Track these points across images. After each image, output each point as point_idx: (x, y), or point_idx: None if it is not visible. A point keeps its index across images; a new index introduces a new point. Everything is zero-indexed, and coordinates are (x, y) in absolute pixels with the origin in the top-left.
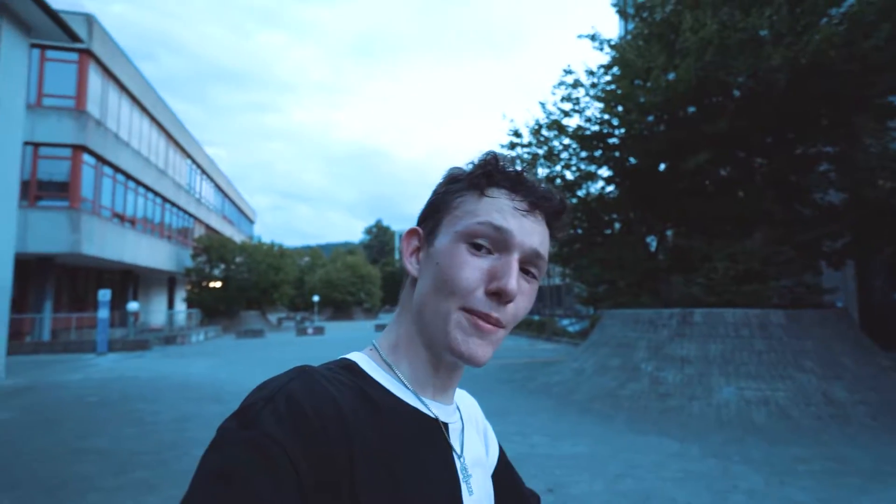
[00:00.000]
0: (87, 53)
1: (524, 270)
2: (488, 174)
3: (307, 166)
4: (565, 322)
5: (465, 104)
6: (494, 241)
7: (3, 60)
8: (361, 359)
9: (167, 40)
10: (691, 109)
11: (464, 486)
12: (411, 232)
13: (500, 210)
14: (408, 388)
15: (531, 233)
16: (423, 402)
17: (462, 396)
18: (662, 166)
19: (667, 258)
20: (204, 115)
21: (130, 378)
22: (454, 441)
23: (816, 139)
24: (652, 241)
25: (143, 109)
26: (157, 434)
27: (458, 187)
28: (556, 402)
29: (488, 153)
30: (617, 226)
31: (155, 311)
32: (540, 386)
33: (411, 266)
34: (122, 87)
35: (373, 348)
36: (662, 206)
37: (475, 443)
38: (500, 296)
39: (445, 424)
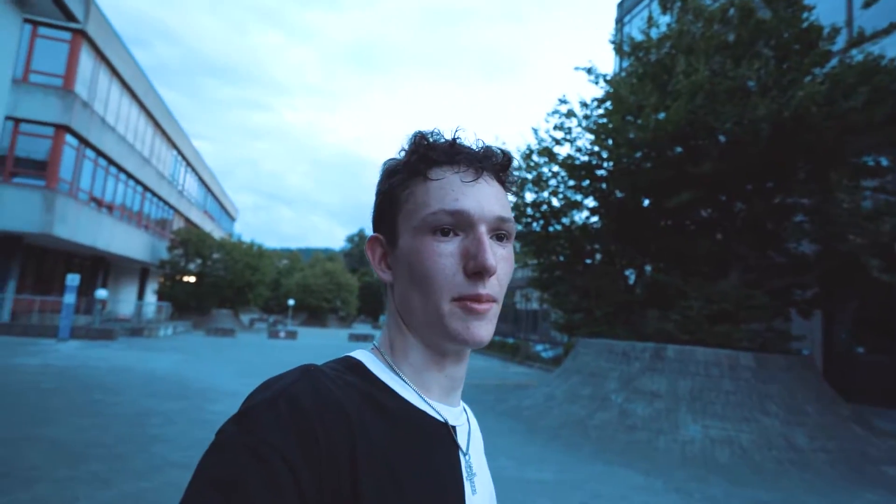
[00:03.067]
0: (81, 34)
1: (495, 237)
2: (423, 156)
3: (293, 168)
4: (539, 347)
5: (457, 123)
6: (456, 224)
7: None
8: (367, 358)
9: (162, 28)
10: (678, 149)
11: (467, 485)
12: (373, 240)
13: (449, 189)
14: (415, 391)
15: (487, 200)
16: (429, 405)
17: (467, 408)
18: (647, 202)
19: (644, 292)
20: (193, 107)
21: (92, 367)
22: (461, 441)
23: (794, 190)
24: (631, 275)
25: (133, 95)
26: (115, 427)
27: (399, 180)
28: (525, 426)
29: (415, 134)
30: (598, 256)
31: (124, 300)
32: (510, 409)
33: (383, 274)
34: (114, 71)
35: (375, 348)
36: (643, 241)
37: (478, 443)
38: (480, 274)
39: (454, 427)
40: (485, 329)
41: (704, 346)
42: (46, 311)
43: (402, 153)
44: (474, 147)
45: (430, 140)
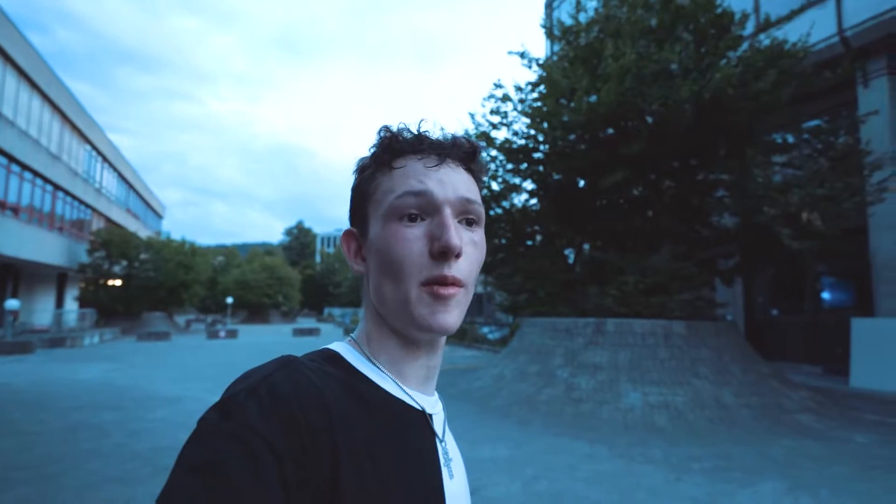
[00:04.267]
0: None
1: (464, 222)
2: (388, 147)
3: (224, 161)
4: (486, 329)
5: (393, 109)
6: (421, 207)
7: None
8: (344, 349)
9: (61, 11)
10: (610, 131)
11: (445, 471)
12: (347, 234)
13: (412, 174)
14: (392, 380)
15: (452, 183)
16: (406, 394)
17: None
18: (582, 183)
19: (583, 270)
20: (107, 99)
21: (6, 384)
22: (437, 428)
23: (715, 167)
24: (570, 254)
25: (34, 86)
26: (41, 445)
27: (368, 173)
28: (476, 407)
29: (381, 128)
30: (539, 238)
31: (40, 310)
32: (461, 392)
33: (358, 266)
34: (7, 59)
35: (352, 340)
36: (581, 221)
37: (450, 431)
38: (446, 255)
39: (430, 415)
40: (451, 316)
41: (641, 318)
42: None
43: (372, 150)
44: (441, 137)
45: (395, 133)
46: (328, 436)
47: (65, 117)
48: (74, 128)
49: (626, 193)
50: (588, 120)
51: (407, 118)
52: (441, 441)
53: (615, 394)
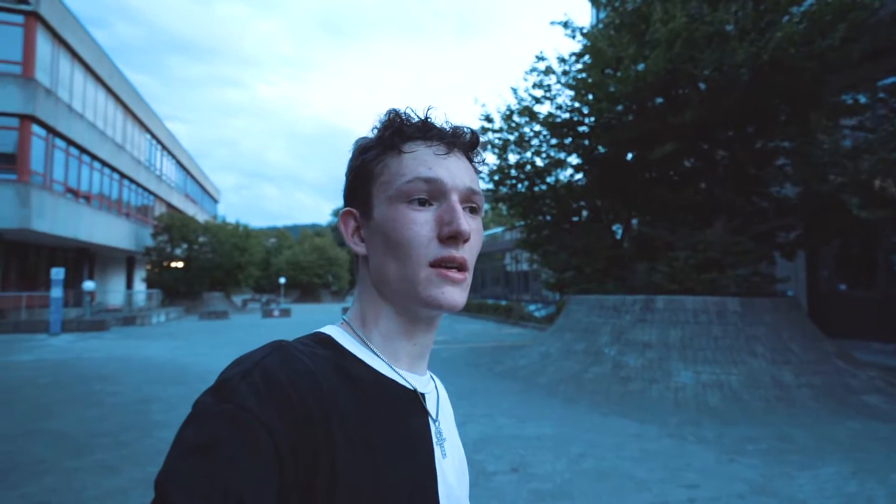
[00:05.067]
0: (34, 16)
1: (468, 209)
2: (398, 131)
3: (273, 144)
4: (532, 307)
5: (435, 85)
6: (430, 193)
7: None
8: (336, 332)
9: (120, 6)
10: (659, 100)
11: (437, 450)
12: (346, 213)
13: (423, 160)
14: (383, 361)
15: (459, 172)
16: (398, 374)
17: (434, 377)
18: (630, 156)
19: (631, 246)
20: (163, 88)
21: (87, 359)
22: (430, 408)
23: (774, 134)
24: (618, 229)
25: (98, 79)
26: (117, 416)
27: (374, 154)
28: (522, 384)
29: (389, 111)
30: (585, 213)
31: (113, 290)
32: (507, 369)
33: (356, 246)
34: (74, 55)
35: (345, 322)
36: (629, 195)
37: (447, 410)
38: (455, 239)
39: (423, 395)
40: (459, 295)
41: (693, 295)
42: (34, 306)
43: (375, 131)
44: (446, 126)
45: (404, 117)
46: (321, 416)
47: (127, 109)
48: (136, 118)
49: (677, 165)
50: (635, 89)
51: (441, 107)
52: (434, 421)
53: (665, 372)
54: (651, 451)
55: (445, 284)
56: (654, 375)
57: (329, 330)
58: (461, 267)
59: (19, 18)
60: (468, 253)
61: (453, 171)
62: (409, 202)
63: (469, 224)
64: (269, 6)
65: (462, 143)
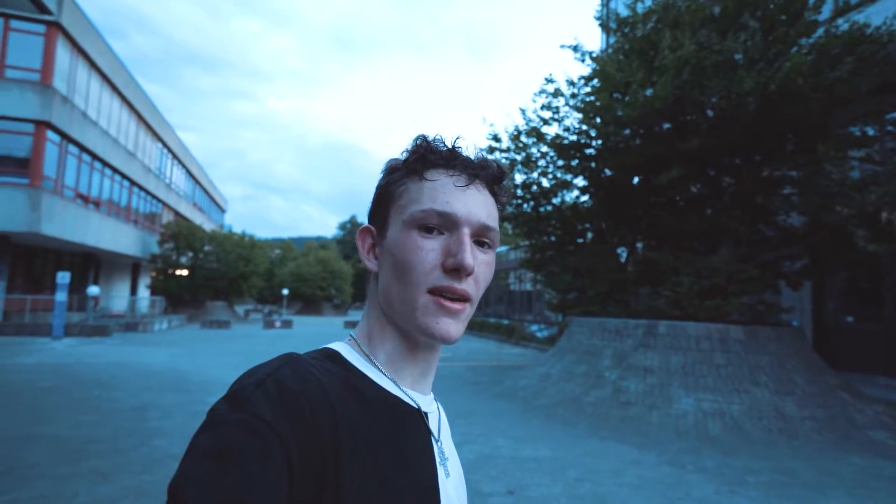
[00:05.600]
0: (56, 26)
1: (478, 243)
2: (422, 157)
3: (281, 157)
4: (534, 327)
5: (444, 104)
6: (442, 223)
7: None
8: (344, 349)
9: (138, 18)
10: (666, 126)
11: (440, 469)
12: (364, 230)
13: (441, 191)
14: (388, 378)
15: (475, 206)
16: (403, 392)
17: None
18: (636, 179)
19: (635, 270)
20: (175, 99)
21: (88, 364)
22: (433, 427)
23: (782, 163)
24: (622, 252)
25: (114, 88)
26: (114, 422)
27: (397, 177)
28: (521, 405)
29: (418, 137)
30: (590, 235)
31: (117, 296)
32: (506, 389)
33: (370, 263)
34: (92, 64)
35: (352, 339)
36: (634, 219)
37: (447, 428)
38: (458, 271)
39: (426, 413)
40: (454, 327)
41: (696, 321)
42: (39, 309)
43: (405, 154)
44: (472, 156)
45: (431, 144)
46: (331, 428)
47: (140, 117)
48: (148, 127)
49: (684, 191)
50: (643, 114)
51: (448, 126)
52: (437, 441)
53: (666, 399)
54: (649, 478)
55: (441, 314)
56: (655, 401)
57: (337, 346)
58: (462, 299)
59: (41, 28)
60: (472, 286)
61: (470, 204)
62: (420, 228)
63: (477, 257)
64: (281, 21)
65: (485, 175)
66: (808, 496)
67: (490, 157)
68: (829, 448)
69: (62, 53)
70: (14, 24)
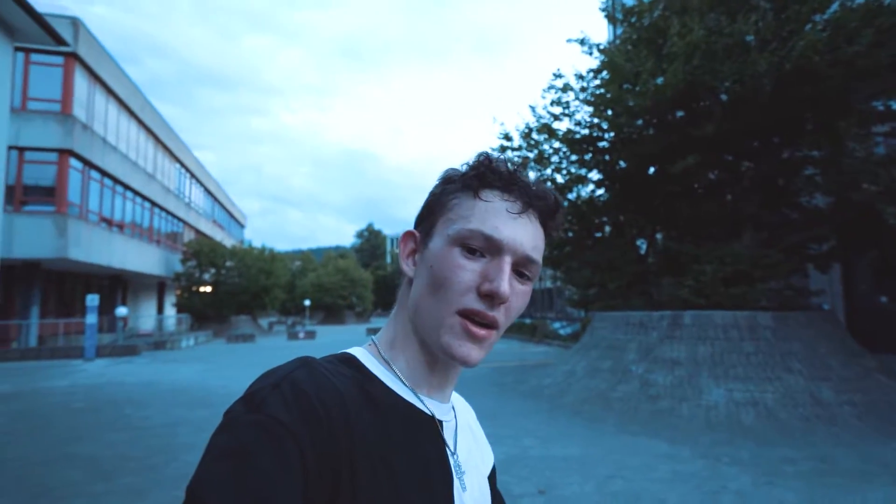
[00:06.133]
0: (73, 57)
1: (517, 272)
2: (481, 175)
3: (297, 170)
4: (556, 325)
5: (455, 107)
6: (486, 247)
7: None
8: (361, 353)
9: (151, 43)
10: (679, 113)
11: (457, 482)
12: (408, 234)
13: (493, 215)
14: (405, 385)
15: (523, 236)
16: (419, 399)
17: (457, 400)
18: (652, 169)
19: (656, 261)
20: (191, 119)
21: (119, 384)
22: (448, 438)
23: (802, 143)
24: (642, 244)
25: (131, 113)
26: (146, 439)
27: (452, 188)
28: (547, 404)
29: (481, 154)
30: (607, 229)
31: (144, 315)
32: (531, 388)
33: (407, 268)
34: (109, 91)
35: (372, 344)
36: (652, 209)
37: (468, 442)
38: (492, 298)
39: (440, 422)
40: (476, 352)
41: (721, 310)
42: (71, 332)
43: (464, 167)
44: (531, 183)
45: (493, 164)
46: (345, 431)
47: (157, 139)
48: (166, 148)
49: (701, 178)
50: (655, 103)
51: (459, 127)
52: (453, 453)
53: (696, 390)
54: (683, 472)
55: (465, 338)
56: (684, 393)
57: (354, 351)
58: (490, 325)
59: (59, 59)
60: (503, 314)
61: (518, 233)
62: (463, 247)
63: (513, 287)
64: (291, 36)
65: (540, 206)
66: (851, 485)
67: (549, 187)
68: (870, 434)
69: (80, 82)
70: (34, 57)
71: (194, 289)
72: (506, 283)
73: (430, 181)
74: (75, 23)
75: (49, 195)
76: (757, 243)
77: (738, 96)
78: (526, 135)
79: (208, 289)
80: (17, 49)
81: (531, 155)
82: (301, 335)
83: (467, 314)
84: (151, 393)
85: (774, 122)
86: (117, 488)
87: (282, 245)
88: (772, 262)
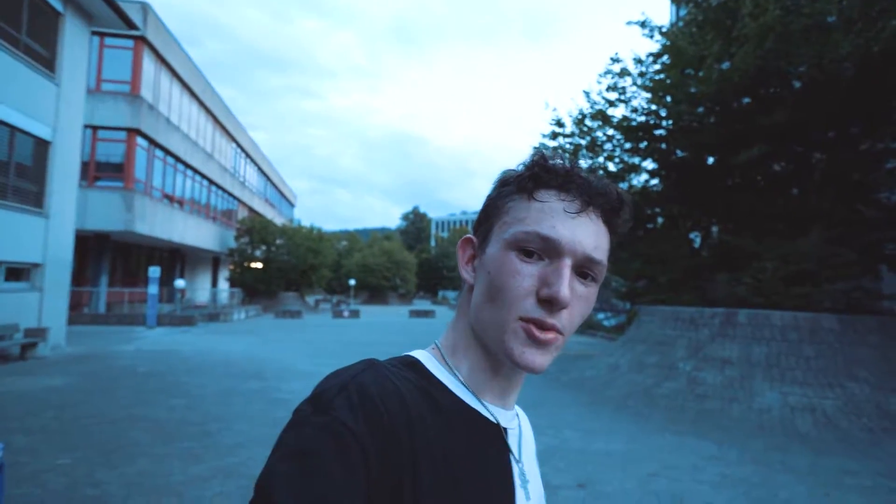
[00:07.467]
0: (142, 40)
1: (580, 274)
2: (535, 175)
3: (345, 151)
4: (601, 316)
5: (504, 90)
6: (544, 248)
7: (67, 48)
8: (425, 357)
9: (211, 25)
10: (746, 100)
11: (520, 491)
12: (466, 240)
13: (550, 215)
14: (469, 391)
15: (584, 235)
16: (483, 406)
17: (520, 413)
18: (711, 160)
19: (711, 255)
20: (246, 100)
21: (177, 352)
22: (513, 445)
23: (886, 134)
24: (696, 238)
25: (193, 94)
26: (202, 406)
27: (507, 191)
28: (589, 396)
29: (535, 152)
30: (660, 220)
31: (200, 288)
32: (573, 380)
33: (467, 274)
34: (174, 73)
35: (435, 347)
36: (709, 202)
37: (531, 450)
38: (551, 303)
39: (505, 429)
40: (541, 358)
41: (781, 310)
42: (135, 301)
43: (520, 167)
44: (592, 181)
45: (548, 162)
46: (408, 434)
47: (216, 120)
48: (223, 129)
49: (766, 170)
50: (719, 90)
51: (508, 112)
52: (518, 461)
53: (747, 392)
54: (732, 476)
55: (529, 343)
56: (735, 394)
57: (418, 354)
58: (552, 329)
59: (129, 43)
60: (564, 320)
61: (578, 233)
62: (520, 251)
63: (575, 290)
64: (343, 19)
65: (601, 202)
66: None
67: (612, 183)
68: None
69: (148, 65)
70: (108, 41)
71: (246, 264)
72: (566, 287)
73: (476, 166)
74: (144, 7)
75: (118, 171)
76: (826, 241)
77: (813, 82)
78: (579, 121)
79: (259, 265)
80: (93, 33)
81: (583, 142)
82: (345, 314)
83: (528, 320)
84: (207, 362)
85: (855, 111)
86: (176, 451)
87: (329, 225)
88: (843, 261)
